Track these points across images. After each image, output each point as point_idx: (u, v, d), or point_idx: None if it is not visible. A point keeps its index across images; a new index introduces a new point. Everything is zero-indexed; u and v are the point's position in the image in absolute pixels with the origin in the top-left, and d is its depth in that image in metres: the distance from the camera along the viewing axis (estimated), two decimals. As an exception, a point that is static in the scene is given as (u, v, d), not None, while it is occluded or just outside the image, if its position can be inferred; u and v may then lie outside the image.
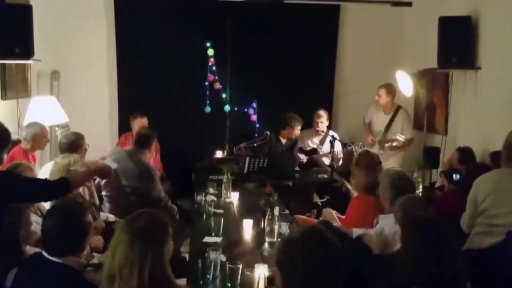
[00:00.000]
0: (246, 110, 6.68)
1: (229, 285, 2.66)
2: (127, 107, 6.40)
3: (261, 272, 2.64)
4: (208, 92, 6.58)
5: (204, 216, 3.99)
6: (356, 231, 3.25)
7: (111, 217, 4.06)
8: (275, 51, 6.63)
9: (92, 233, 2.81)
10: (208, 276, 2.72)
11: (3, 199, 2.78)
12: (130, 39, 6.51)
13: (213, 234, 3.52)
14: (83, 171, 3.42)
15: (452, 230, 3.15)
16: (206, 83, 6.57)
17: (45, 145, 4.80)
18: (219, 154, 6.04)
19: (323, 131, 6.15)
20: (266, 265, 2.70)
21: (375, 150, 5.22)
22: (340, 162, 6.01)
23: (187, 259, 3.33)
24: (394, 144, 5.73)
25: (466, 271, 2.17)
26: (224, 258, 2.89)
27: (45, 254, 2.37)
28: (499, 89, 4.60)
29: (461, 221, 3.35)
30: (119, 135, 6.48)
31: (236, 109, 6.65)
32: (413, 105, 6.37)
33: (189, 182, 5.46)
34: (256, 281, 2.61)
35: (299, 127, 5.97)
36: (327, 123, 6.19)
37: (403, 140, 5.68)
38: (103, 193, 4.53)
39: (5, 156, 3.15)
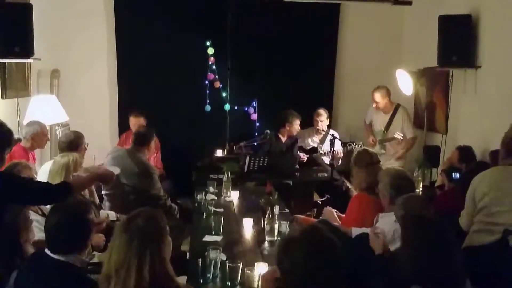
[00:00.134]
0: (246, 109, 6.68)
1: (229, 283, 2.66)
2: (127, 106, 6.39)
3: (261, 270, 2.64)
4: (208, 91, 6.58)
5: (204, 215, 4.00)
6: (356, 231, 3.25)
7: (111, 214, 4.06)
8: (275, 50, 6.63)
9: (95, 231, 2.81)
10: (208, 275, 2.72)
11: (3, 200, 2.79)
12: (130, 38, 6.51)
13: (213, 233, 3.52)
14: (85, 176, 3.45)
15: (452, 229, 3.18)
16: (206, 82, 6.57)
17: (45, 144, 4.80)
18: (219, 153, 6.04)
19: (323, 130, 6.15)
20: (266, 264, 2.70)
21: (376, 150, 5.22)
22: (340, 161, 6.01)
23: (187, 257, 3.33)
24: (393, 141, 5.75)
25: (466, 269, 2.18)
26: (224, 257, 2.89)
27: (48, 252, 2.37)
28: (499, 88, 4.60)
29: (460, 219, 3.36)
30: (119, 133, 6.49)
31: (236, 108, 6.65)
32: (413, 104, 6.37)
33: (189, 181, 5.46)
34: (256, 280, 2.61)
35: (298, 122, 5.99)
36: (327, 122, 6.19)
37: (401, 138, 5.69)
38: (103, 192, 4.54)
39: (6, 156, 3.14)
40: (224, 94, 6.61)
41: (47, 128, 4.83)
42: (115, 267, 2.02)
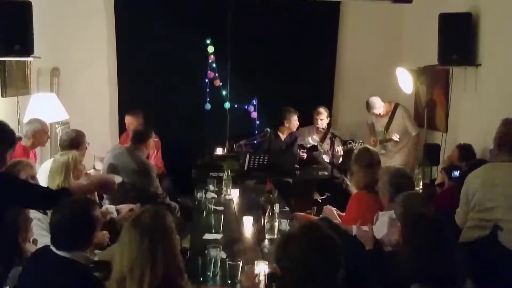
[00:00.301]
0: (246, 107, 6.67)
1: (229, 282, 2.67)
2: (127, 104, 6.38)
3: (261, 269, 2.64)
4: (208, 89, 6.57)
5: (204, 213, 4.01)
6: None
7: (111, 208, 4.05)
8: (276, 49, 6.62)
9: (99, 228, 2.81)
10: (208, 273, 2.73)
11: (3, 202, 2.79)
12: (130, 36, 6.50)
13: (213, 231, 3.53)
14: (86, 183, 3.46)
15: (452, 227, 3.18)
16: (206, 80, 6.57)
17: (46, 142, 4.80)
18: (219, 151, 6.04)
19: (323, 128, 6.15)
20: (266, 262, 2.70)
21: (376, 150, 5.22)
22: (340, 159, 6.02)
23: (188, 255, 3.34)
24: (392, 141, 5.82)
25: (467, 268, 2.17)
26: (224, 255, 2.90)
27: (54, 249, 2.37)
28: (500, 86, 4.60)
29: (455, 216, 3.38)
30: (119, 132, 6.48)
31: (236, 106, 6.64)
32: (413, 102, 6.36)
33: (190, 179, 5.47)
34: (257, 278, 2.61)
35: (295, 117, 6.01)
36: (327, 121, 6.19)
37: (398, 139, 5.75)
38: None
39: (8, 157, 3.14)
40: (224, 92, 6.61)
41: (48, 126, 4.83)
42: (129, 266, 2.00)
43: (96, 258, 3.05)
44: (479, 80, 4.94)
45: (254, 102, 6.66)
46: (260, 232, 3.54)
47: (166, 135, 6.05)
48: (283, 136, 6.07)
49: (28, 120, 4.67)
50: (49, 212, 3.03)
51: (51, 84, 6.12)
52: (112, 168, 4.57)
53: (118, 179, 3.82)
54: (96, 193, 4.10)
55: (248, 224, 3.68)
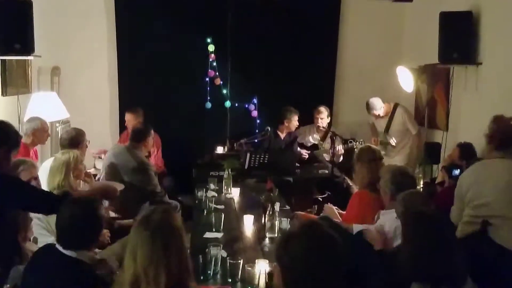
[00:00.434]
0: (246, 106, 6.67)
1: (230, 280, 2.67)
2: (128, 103, 6.38)
3: (262, 267, 2.64)
4: (208, 88, 6.57)
5: (205, 212, 4.00)
6: (357, 227, 3.24)
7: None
8: (276, 48, 6.61)
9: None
10: (209, 272, 2.73)
11: (2, 202, 2.79)
12: (131, 35, 6.50)
13: (214, 230, 3.53)
14: (87, 190, 3.46)
15: (453, 225, 3.18)
16: (207, 79, 6.56)
17: (46, 140, 4.80)
18: (219, 150, 6.04)
19: (323, 127, 6.15)
20: (267, 261, 2.70)
21: (377, 149, 5.24)
22: (341, 158, 6.02)
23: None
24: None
25: (467, 267, 2.17)
26: (225, 254, 2.90)
27: (60, 248, 2.37)
28: (500, 85, 4.60)
29: (451, 214, 3.39)
30: (120, 131, 6.48)
31: (236, 105, 6.64)
32: (414, 101, 6.36)
33: (190, 178, 5.47)
34: (257, 277, 2.61)
35: (296, 118, 6.01)
36: (328, 120, 6.19)
37: (394, 144, 5.77)
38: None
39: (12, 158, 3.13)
40: (224, 91, 6.61)
41: (48, 124, 4.83)
42: (143, 267, 1.96)
43: (97, 257, 3.05)
44: (479, 79, 4.94)
45: (255, 101, 6.65)
46: (260, 231, 3.54)
47: (167, 134, 6.05)
48: (282, 135, 6.07)
49: (28, 118, 4.68)
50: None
51: (52, 83, 6.12)
52: (112, 167, 4.58)
53: (120, 186, 3.82)
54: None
55: (248, 223, 3.68)
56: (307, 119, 6.23)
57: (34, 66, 5.64)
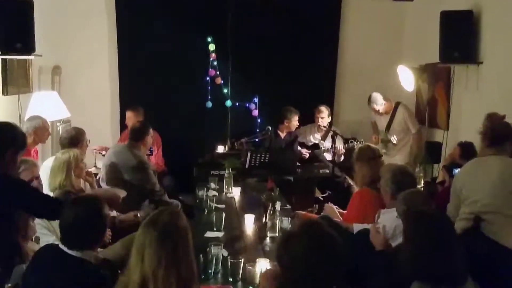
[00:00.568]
0: (247, 105, 6.67)
1: (231, 279, 2.67)
2: (128, 103, 6.36)
3: (262, 266, 2.64)
4: (209, 87, 6.57)
5: (206, 211, 4.01)
6: (357, 226, 3.25)
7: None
8: (277, 47, 6.61)
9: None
10: (210, 271, 2.73)
11: (2, 203, 2.79)
12: (131, 34, 6.50)
13: (214, 229, 3.53)
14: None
15: (453, 224, 3.18)
16: (208, 78, 6.56)
17: (47, 139, 4.79)
18: (220, 149, 6.04)
19: (324, 127, 6.15)
20: (268, 260, 2.71)
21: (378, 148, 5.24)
22: (342, 157, 6.02)
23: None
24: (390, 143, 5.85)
25: (467, 266, 2.17)
26: (225, 253, 2.90)
27: (65, 248, 2.36)
28: (501, 84, 4.59)
29: (447, 210, 3.40)
30: (120, 130, 6.48)
31: (237, 104, 6.64)
32: (415, 100, 6.35)
33: (191, 177, 5.47)
34: (258, 276, 2.61)
35: (296, 118, 6.01)
36: (328, 119, 6.19)
37: (395, 142, 5.76)
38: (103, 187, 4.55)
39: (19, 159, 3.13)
40: (225, 91, 6.61)
41: (48, 123, 4.83)
42: (151, 268, 1.95)
43: (101, 256, 3.05)
44: (480, 78, 4.93)
45: (255, 100, 6.66)
46: (261, 230, 3.55)
47: (168, 133, 6.06)
48: (282, 135, 6.07)
49: (29, 117, 4.68)
50: None
51: (53, 83, 6.12)
52: (113, 166, 4.58)
53: (122, 193, 3.82)
54: (96, 187, 4.11)
55: (249, 222, 3.68)
56: (308, 119, 6.23)
57: (35, 65, 5.64)
